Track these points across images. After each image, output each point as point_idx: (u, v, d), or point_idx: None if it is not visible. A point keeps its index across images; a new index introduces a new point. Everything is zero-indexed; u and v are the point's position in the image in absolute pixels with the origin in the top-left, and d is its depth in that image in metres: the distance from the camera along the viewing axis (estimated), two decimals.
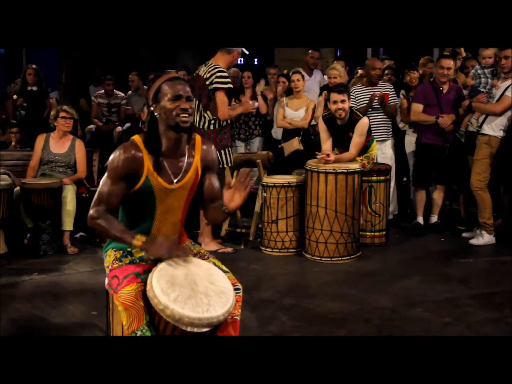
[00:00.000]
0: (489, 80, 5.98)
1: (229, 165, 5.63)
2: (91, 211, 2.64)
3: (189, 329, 2.40)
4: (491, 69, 6.01)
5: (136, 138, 2.70)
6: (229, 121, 5.66)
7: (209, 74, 5.41)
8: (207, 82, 5.41)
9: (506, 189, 6.11)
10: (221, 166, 5.45)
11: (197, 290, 2.50)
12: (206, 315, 2.41)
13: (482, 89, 5.96)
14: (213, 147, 2.89)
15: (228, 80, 5.49)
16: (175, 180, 2.71)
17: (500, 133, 5.68)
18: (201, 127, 5.48)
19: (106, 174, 2.68)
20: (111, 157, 2.66)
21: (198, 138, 2.84)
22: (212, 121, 5.49)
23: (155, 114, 2.66)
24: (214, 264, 2.77)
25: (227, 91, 5.45)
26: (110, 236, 2.66)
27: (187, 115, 2.64)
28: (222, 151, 5.51)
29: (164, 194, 2.71)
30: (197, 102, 5.44)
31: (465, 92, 6.29)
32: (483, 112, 5.78)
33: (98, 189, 2.68)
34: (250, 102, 5.95)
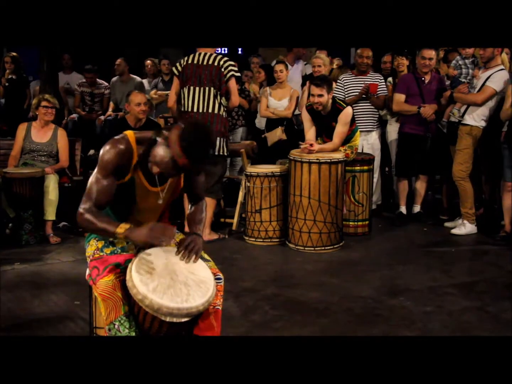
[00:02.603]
0: (470, 71, 6.01)
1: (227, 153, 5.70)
2: (80, 209, 2.58)
3: (168, 319, 2.40)
4: (472, 59, 6.03)
5: (129, 133, 2.62)
6: None
7: (222, 62, 5.46)
8: (223, 69, 5.45)
9: (488, 179, 6.17)
10: (224, 153, 5.60)
11: (177, 280, 2.50)
12: (185, 305, 2.41)
13: (463, 80, 5.99)
14: None
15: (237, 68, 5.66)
16: (158, 183, 2.68)
17: (482, 123, 5.72)
18: (216, 112, 5.50)
19: (96, 170, 2.61)
20: (101, 152, 2.58)
21: None
22: (225, 108, 5.57)
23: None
24: None
25: (237, 79, 5.61)
26: (97, 230, 2.60)
27: None
28: (225, 139, 5.60)
29: (145, 194, 2.68)
30: (211, 88, 5.45)
31: (448, 82, 6.32)
32: (465, 102, 5.81)
33: (88, 185, 2.61)
34: None
